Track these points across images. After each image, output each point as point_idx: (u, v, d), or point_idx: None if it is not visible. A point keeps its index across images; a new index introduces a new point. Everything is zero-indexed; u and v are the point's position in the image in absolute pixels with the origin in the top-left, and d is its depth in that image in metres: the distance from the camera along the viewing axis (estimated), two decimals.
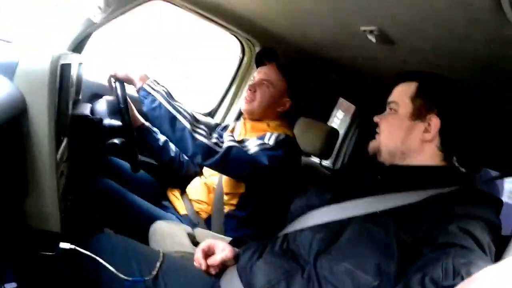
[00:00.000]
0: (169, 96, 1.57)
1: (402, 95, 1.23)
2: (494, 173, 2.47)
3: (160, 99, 1.53)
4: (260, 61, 1.99)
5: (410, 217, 1.03)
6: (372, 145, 1.27)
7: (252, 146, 1.64)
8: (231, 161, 1.56)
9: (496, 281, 0.37)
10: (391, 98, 1.26)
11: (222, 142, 1.59)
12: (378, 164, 1.27)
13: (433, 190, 1.08)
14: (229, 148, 1.57)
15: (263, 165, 1.60)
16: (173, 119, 1.52)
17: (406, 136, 1.19)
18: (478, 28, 1.12)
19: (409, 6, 1.15)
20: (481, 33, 1.14)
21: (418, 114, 1.18)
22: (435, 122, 1.16)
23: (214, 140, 1.56)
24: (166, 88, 1.59)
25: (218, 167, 1.61)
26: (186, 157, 1.99)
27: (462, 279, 0.77)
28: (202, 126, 1.58)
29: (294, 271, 1.08)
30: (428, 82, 1.21)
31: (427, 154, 1.18)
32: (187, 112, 1.56)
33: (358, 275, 0.98)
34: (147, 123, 1.87)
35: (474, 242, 0.89)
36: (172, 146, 1.96)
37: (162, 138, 1.92)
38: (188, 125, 1.53)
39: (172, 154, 1.97)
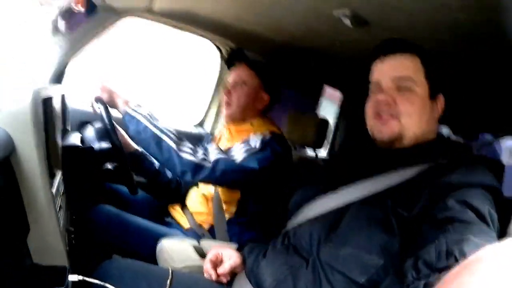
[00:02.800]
0: (152, 118, 1.58)
1: (415, 71, 1.12)
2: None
3: (144, 121, 1.55)
4: (230, 63, 2.00)
5: (406, 192, 1.02)
6: (391, 130, 1.12)
7: (239, 153, 1.64)
8: (221, 174, 1.57)
9: (504, 261, 0.35)
10: (399, 72, 1.12)
11: (209, 156, 1.60)
12: (371, 147, 1.24)
13: (429, 163, 1.07)
14: (216, 161, 1.58)
15: (254, 170, 1.61)
16: (158, 141, 1.54)
17: (429, 118, 1.14)
18: None
19: None
20: (458, 0, 1.12)
21: (433, 94, 1.14)
22: (441, 100, 1.16)
23: (200, 156, 1.57)
24: (149, 111, 1.60)
25: (209, 181, 1.63)
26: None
27: (456, 259, 0.76)
28: (187, 144, 1.60)
29: (299, 265, 1.08)
30: (429, 59, 1.14)
31: (432, 132, 1.17)
32: (172, 133, 1.58)
33: (363, 257, 0.98)
34: (140, 149, 1.87)
35: (474, 214, 0.87)
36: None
37: (156, 161, 1.93)
38: (173, 145, 1.54)
39: (170, 176, 1.99)
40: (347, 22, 1.45)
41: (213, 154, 1.60)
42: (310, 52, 2.14)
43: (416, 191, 0.99)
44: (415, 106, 1.11)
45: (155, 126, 1.55)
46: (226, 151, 1.66)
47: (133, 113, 1.55)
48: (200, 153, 1.58)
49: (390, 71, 1.13)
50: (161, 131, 1.55)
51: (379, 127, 1.15)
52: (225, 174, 1.58)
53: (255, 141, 1.69)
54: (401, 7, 1.26)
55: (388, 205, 1.00)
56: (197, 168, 1.54)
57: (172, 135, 1.57)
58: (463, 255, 0.75)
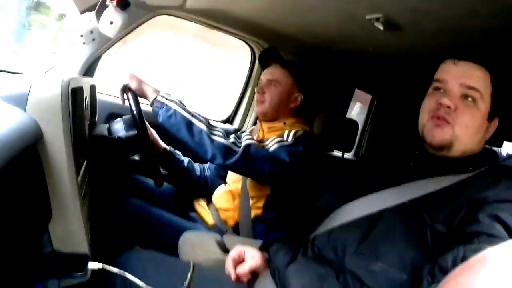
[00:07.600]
0: (182, 104, 1.58)
1: (484, 87, 1.05)
2: None
3: (174, 106, 1.54)
4: (264, 62, 1.99)
5: (442, 205, 0.98)
6: (443, 135, 1.06)
7: (271, 144, 1.63)
8: (251, 159, 1.55)
9: (506, 261, 0.34)
10: (470, 81, 1.05)
11: (240, 142, 1.58)
12: (411, 151, 1.20)
13: (464, 174, 1.03)
14: (248, 145, 1.56)
15: (284, 162, 1.58)
16: (189, 124, 1.53)
17: (482, 138, 1.09)
18: (484, 2, 1.10)
19: None
20: (487, 7, 1.12)
21: (492, 116, 1.08)
22: (495, 123, 1.10)
23: (232, 140, 1.56)
24: (178, 98, 1.59)
25: (238, 166, 1.59)
26: (210, 173, 2.03)
27: None
28: (218, 128, 1.59)
29: (329, 276, 1.05)
30: (499, 79, 1.07)
31: (478, 148, 1.11)
32: (202, 116, 1.57)
33: (394, 274, 0.95)
34: (169, 147, 1.89)
35: (503, 229, 0.82)
36: (196, 166, 1.99)
37: (185, 159, 1.95)
38: (205, 128, 1.53)
39: (198, 173, 2.00)
40: (380, 26, 1.46)
41: (245, 140, 1.59)
42: (342, 55, 2.12)
43: (454, 206, 0.95)
44: (474, 121, 1.05)
45: (185, 110, 1.54)
46: (259, 142, 1.64)
47: (163, 100, 1.55)
48: (231, 137, 1.57)
49: (462, 76, 1.06)
50: (192, 115, 1.54)
51: (432, 129, 1.08)
52: (255, 161, 1.56)
53: (288, 136, 1.68)
54: (432, 13, 1.26)
55: (425, 219, 0.97)
56: (228, 151, 1.53)
57: (202, 119, 1.55)
58: None
